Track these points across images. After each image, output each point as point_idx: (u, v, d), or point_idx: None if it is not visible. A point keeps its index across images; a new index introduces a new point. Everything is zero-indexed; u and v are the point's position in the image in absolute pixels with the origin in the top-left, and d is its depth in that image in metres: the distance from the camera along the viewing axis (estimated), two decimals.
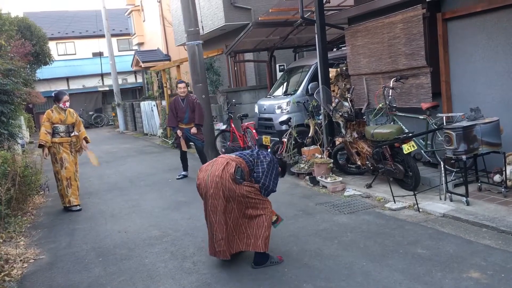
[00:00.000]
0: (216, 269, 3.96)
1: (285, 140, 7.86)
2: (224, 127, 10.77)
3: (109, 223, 5.76)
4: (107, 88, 26.88)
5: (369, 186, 6.13)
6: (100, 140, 17.30)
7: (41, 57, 19.05)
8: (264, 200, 3.89)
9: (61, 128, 6.52)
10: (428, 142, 6.16)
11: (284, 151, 7.77)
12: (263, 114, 9.50)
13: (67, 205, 6.50)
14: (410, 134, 5.68)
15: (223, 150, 9.74)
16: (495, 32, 5.50)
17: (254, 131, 9.62)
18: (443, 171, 5.14)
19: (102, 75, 27.59)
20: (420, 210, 4.99)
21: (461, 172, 5.17)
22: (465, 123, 4.90)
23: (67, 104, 6.60)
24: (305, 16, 7.70)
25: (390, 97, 6.52)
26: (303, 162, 7.30)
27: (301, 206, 5.69)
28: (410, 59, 6.37)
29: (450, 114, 5.83)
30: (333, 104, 6.91)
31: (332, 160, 6.85)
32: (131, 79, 28.76)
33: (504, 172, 5.01)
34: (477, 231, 4.23)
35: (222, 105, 11.75)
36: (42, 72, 21.26)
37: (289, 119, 8.27)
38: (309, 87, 8.63)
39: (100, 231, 5.42)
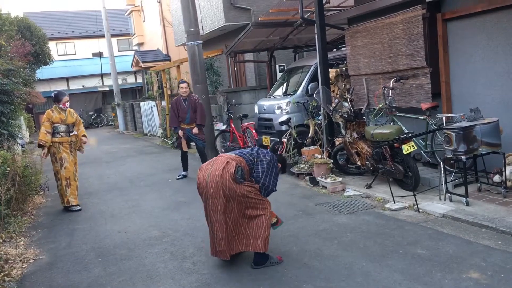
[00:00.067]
0: (216, 269, 3.96)
1: (285, 140, 7.86)
2: (224, 127, 10.77)
3: (109, 223, 5.76)
4: (107, 88, 26.89)
5: (369, 186, 6.13)
6: (100, 140, 17.30)
7: (41, 57, 19.06)
8: (263, 200, 3.89)
9: (62, 127, 6.52)
10: (428, 143, 6.16)
11: (284, 152, 7.78)
12: (263, 114, 9.51)
13: (66, 205, 6.50)
14: (410, 135, 5.68)
15: (223, 151, 9.74)
16: (495, 32, 5.50)
17: (254, 131, 9.62)
18: (442, 172, 5.14)
19: (102, 75, 27.60)
20: (420, 210, 4.99)
21: (460, 172, 5.17)
22: (464, 124, 4.90)
23: (67, 104, 6.60)
24: (305, 16, 7.70)
25: (390, 97, 6.52)
26: (303, 162, 7.30)
27: (301, 206, 5.69)
28: (410, 60, 6.38)
29: (449, 115, 5.84)
30: (333, 105, 6.92)
31: (332, 161, 6.86)
32: (131, 79, 28.76)
33: (503, 173, 5.01)
34: (477, 232, 4.24)
35: (222, 105, 11.76)
36: (42, 72, 21.27)
37: (289, 120, 8.27)
38: (309, 88, 8.63)
39: (100, 231, 5.42)
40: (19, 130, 9.26)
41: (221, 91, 12.36)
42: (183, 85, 8.19)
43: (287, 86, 9.68)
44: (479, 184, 5.31)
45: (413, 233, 4.37)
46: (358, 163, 6.56)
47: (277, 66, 12.96)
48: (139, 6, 24.64)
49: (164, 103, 14.49)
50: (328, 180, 6.36)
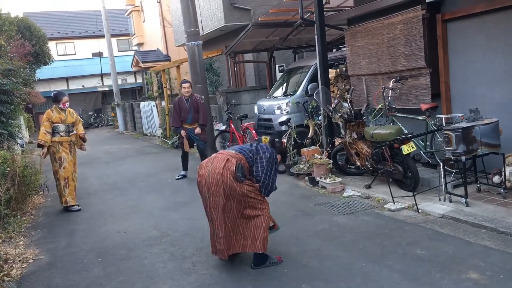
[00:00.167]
0: (215, 269, 3.96)
1: (285, 140, 7.86)
2: (223, 127, 10.78)
3: (109, 223, 5.75)
4: (107, 88, 26.88)
5: (368, 186, 6.13)
6: (100, 141, 17.30)
7: (41, 57, 19.05)
8: (263, 201, 3.88)
9: (61, 127, 6.52)
10: (428, 143, 6.16)
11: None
12: (263, 114, 9.51)
13: (64, 205, 6.50)
14: (410, 135, 5.68)
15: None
16: (494, 33, 5.50)
17: (253, 131, 9.62)
18: (442, 172, 5.14)
19: (101, 75, 27.59)
20: (419, 211, 4.99)
21: (460, 173, 5.17)
22: (464, 124, 4.90)
23: (67, 104, 6.60)
24: (305, 17, 7.70)
25: (389, 98, 6.53)
26: (302, 162, 7.31)
27: (301, 206, 5.69)
28: (409, 60, 6.38)
29: (449, 115, 5.84)
30: (333, 105, 6.92)
31: (331, 161, 6.86)
32: (130, 79, 28.75)
33: (503, 173, 5.01)
34: (476, 232, 4.24)
35: (222, 105, 11.76)
36: (42, 72, 21.26)
37: (288, 120, 8.27)
38: (308, 88, 8.64)
39: (100, 232, 5.42)
40: (18, 130, 9.26)
41: (221, 91, 12.37)
42: (186, 85, 8.16)
43: (286, 86, 9.68)
44: (478, 185, 5.32)
45: (412, 234, 4.37)
46: (358, 163, 6.56)
47: (277, 66, 12.97)
48: (139, 6, 24.64)
49: (164, 103, 14.49)
50: (328, 180, 6.36)
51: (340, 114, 6.67)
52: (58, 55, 28.38)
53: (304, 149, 7.58)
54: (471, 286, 3.23)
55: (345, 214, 5.20)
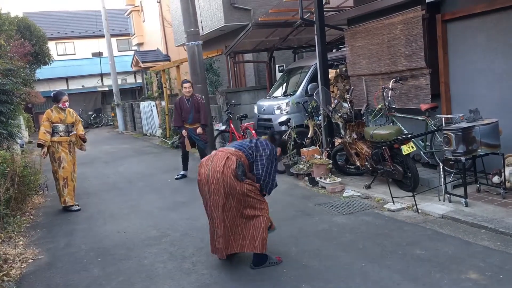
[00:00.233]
0: (215, 269, 3.96)
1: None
2: (223, 127, 10.78)
3: (108, 223, 5.75)
4: (107, 88, 26.87)
5: (368, 187, 6.13)
6: (100, 140, 17.30)
7: (41, 57, 19.05)
8: (262, 201, 3.87)
9: (61, 127, 6.52)
10: (427, 143, 6.17)
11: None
12: (263, 114, 9.52)
13: (63, 205, 6.49)
14: (409, 135, 5.68)
15: None
16: (494, 33, 5.50)
17: (253, 131, 9.63)
18: (442, 172, 5.14)
19: (101, 75, 27.58)
20: (419, 211, 4.99)
21: (460, 173, 5.17)
22: (464, 124, 4.91)
23: (67, 104, 6.59)
24: (305, 17, 7.70)
25: (389, 98, 6.53)
26: (302, 162, 7.30)
27: (300, 206, 5.69)
28: (409, 60, 6.38)
29: (449, 115, 5.84)
30: (333, 105, 6.92)
31: (331, 161, 6.86)
32: (130, 79, 28.75)
33: (503, 174, 5.01)
34: (476, 232, 4.24)
35: (222, 105, 11.76)
36: (42, 72, 21.25)
37: (288, 120, 8.27)
38: (308, 88, 8.65)
39: (99, 232, 5.42)
40: (18, 130, 9.26)
41: (221, 92, 12.37)
42: (186, 84, 8.14)
43: (286, 86, 9.69)
44: (478, 185, 5.32)
45: (412, 234, 4.37)
46: (358, 163, 6.56)
47: (276, 66, 12.97)
48: (138, 6, 24.65)
49: (163, 103, 14.49)
50: (328, 180, 6.36)
51: (340, 114, 6.67)
52: (58, 55, 28.38)
53: (304, 149, 7.58)
54: (471, 286, 3.23)
55: (344, 214, 5.19)
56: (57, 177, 6.49)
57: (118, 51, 29.37)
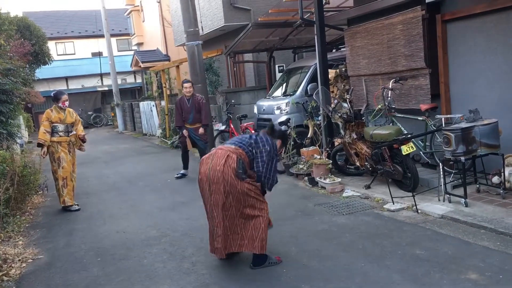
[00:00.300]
0: (214, 269, 3.96)
1: None
2: (223, 127, 10.78)
3: (108, 223, 5.75)
4: (106, 88, 26.87)
5: (367, 187, 6.13)
6: (99, 140, 17.29)
7: (40, 57, 19.04)
8: (262, 201, 3.86)
9: (60, 127, 6.51)
10: (427, 144, 6.17)
11: (283, 152, 7.78)
12: (262, 114, 9.51)
13: (62, 205, 6.49)
14: (409, 135, 5.68)
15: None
16: (494, 33, 5.51)
17: (253, 131, 9.63)
18: (441, 173, 5.14)
19: (101, 75, 27.58)
20: (419, 211, 4.99)
21: (459, 173, 5.17)
22: (464, 125, 4.91)
23: (66, 103, 6.59)
24: (305, 17, 7.71)
25: (389, 98, 6.53)
26: (302, 163, 7.31)
27: (300, 206, 5.69)
28: (409, 61, 6.38)
29: (449, 116, 5.84)
30: (332, 105, 6.92)
31: (331, 161, 6.86)
32: (130, 79, 28.75)
33: (502, 174, 5.02)
34: (476, 233, 4.24)
35: (221, 105, 11.77)
36: (41, 72, 21.25)
37: (288, 120, 8.27)
38: (308, 88, 8.65)
39: (99, 231, 5.42)
40: (18, 130, 9.26)
41: (221, 91, 12.37)
42: (187, 84, 8.13)
43: (286, 86, 9.69)
44: (478, 185, 5.32)
45: (411, 234, 4.37)
46: (357, 163, 6.56)
47: (276, 66, 12.98)
48: (138, 6, 24.64)
49: (163, 103, 14.49)
50: (327, 180, 6.36)
51: (339, 114, 6.67)
52: (58, 55, 28.38)
53: (304, 149, 7.58)
54: (470, 287, 3.23)
55: (344, 214, 5.20)
56: (57, 177, 6.49)
57: (118, 51, 29.37)
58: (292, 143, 7.83)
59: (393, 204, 5.26)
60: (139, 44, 25.44)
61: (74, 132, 6.64)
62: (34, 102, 18.61)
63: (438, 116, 5.96)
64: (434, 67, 6.23)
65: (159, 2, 20.93)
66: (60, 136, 6.51)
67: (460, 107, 5.97)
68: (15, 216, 5.82)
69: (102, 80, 27.98)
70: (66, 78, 27.29)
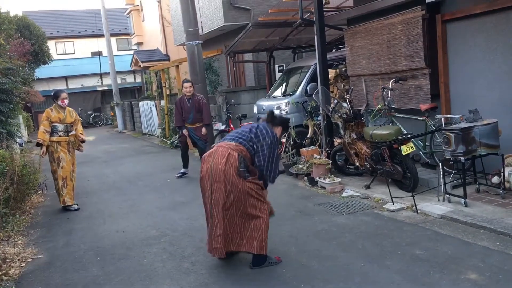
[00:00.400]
0: (214, 269, 3.96)
1: (284, 140, 7.86)
2: (223, 127, 10.77)
3: (107, 222, 5.75)
4: (106, 88, 26.87)
5: (367, 187, 6.13)
6: (99, 140, 17.29)
7: (40, 56, 19.04)
8: (263, 201, 3.85)
9: (60, 127, 6.50)
10: (427, 144, 6.17)
11: (282, 152, 7.78)
12: (262, 114, 9.49)
13: (62, 205, 6.49)
14: (409, 135, 5.68)
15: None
16: (494, 34, 5.51)
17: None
18: (441, 173, 5.14)
19: (101, 75, 27.57)
20: (419, 211, 4.99)
21: (459, 173, 5.17)
22: (463, 125, 4.91)
23: (66, 101, 6.57)
24: (305, 17, 7.70)
25: (389, 98, 6.53)
26: (301, 163, 7.30)
27: (300, 206, 5.69)
28: (409, 61, 6.38)
29: (448, 116, 5.84)
30: (332, 105, 6.92)
31: (330, 161, 6.86)
32: (130, 78, 28.74)
33: (502, 174, 5.02)
34: (475, 233, 4.24)
35: (221, 105, 11.77)
36: (41, 71, 21.25)
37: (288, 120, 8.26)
38: (308, 88, 8.64)
39: (98, 231, 5.41)
40: (17, 129, 9.25)
41: (220, 91, 12.38)
42: (187, 84, 8.11)
43: (286, 86, 9.69)
44: (477, 185, 5.32)
45: (411, 234, 4.37)
46: (357, 163, 6.56)
47: (276, 66, 12.97)
48: (138, 5, 24.63)
49: (163, 102, 14.48)
50: (327, 180, 6.36)
51: (339, 114, 6.67)
52: (57, 54, 28.36)
53: (303, 149, 7.58)
54: (470, 287, 3.23)
55: (344, 214, 5.20)
56: (56, 177, 6.48)
57: (118, 50, 29.38)
58: (292, 143, 7.83)
59: (393, 204, 5.26)
60: (139, 44, 25.44)
61: (74, 132, 6.63)
62: (34, 101, 18.59)
63: (438, 116, 5.96)
64: (434, 67, 6.23)
65: (159, 2, 20.92)
66: (60, 136, 6.50)
67: (460, 107, 5.97)
68: (15, 215, 5.81)
69: (101, 79, 27.97)
70: (66, 78, 27.29)
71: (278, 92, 9.73)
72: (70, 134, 6.59)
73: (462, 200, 4.88)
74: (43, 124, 6.42)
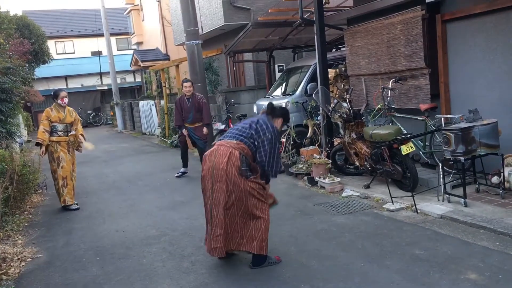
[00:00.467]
0: (214, 269, 3.96)
1: (284, 140, 7.86)
2: (222, 127, 10.77)
3: (107, 222, 5.75)
4: (106, 87, 26.85)
5: (367, 187, 6.13)
6: (99, 139, 17.27)
7: (40, 56, 19.03)
8: (264, 202, 3.84)
9: (60, 127, 6.50)
10: (427, 143, 6.17)
11: (282, 152, 7.78)
12: None
13: (63, 204, 6.49)
14: (409, 135, 5.68)
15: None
16: (494, 33, 5.51)
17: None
18: (441, 172, 5.14)
19: (100, 74, 27.57)
20: (418, 211, 4.99)
21: (459, 173, 5.17)
22: (463, 125, 4.91)
23: (65, 100, 6.56)
24: (305, 16, 7.70)
25: (388, 98, 6.53)
26: (301, 162, 7.30)
27: (299, 206, 5.69)
28: (409, 60, 6.38)
29: (448, 116, 5.84)
30: (332, 105, 6.92)
31: (330, 161, 6.86)
32: (130, 78, 28.73)
33: (502, 174, 5.02)
34: (475, 233, 4.24)
35: (221, 105, 11.77)
36: (41, 71, 21.22)
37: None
38: (308, 88, 8.64)
39: (98, 231, 5.41)
40: (17, 129, 9.25)
41: (220, 91, 12.38)
42: (187, 84, 8.10)
43: (286, 86, 9.68)
44: (477, 185, 5.32)
45: (411, 234, 4.37)
46: (357, 163, 6.56)
47: (276, 66, 12.97)
48: (138, 5, 24.63)
49: (162, 102, 14.48)
50: (327, 180, 6.36)
51: (339, 114, 6.67)
52: (57, 54, 28.34)
53: (303, 149, 7.58)
54: (470, 287, 3.23)
55: (344, 214, 5.20)
56: (56, 177, 6.48)
57: (118, 50, 29.38)
58: (292, 142, 7.83)
59: (393, 204, 5.26)
60: (139, 43, 25.44)
61: (74, 132, 6.63)
62: (34, 101, 18.59)
63: (438, 116, 5.96)
64: (434, 67, 6.23)
65: (158, 1, 20.92)
66: (59, 136, 6.49)
67: (460, 107, 5.97)
68: (14, 215, 5.81)
69: (101, 79, 27.96)
70: (66, 77, 27.28)
71: (278, 91, 9.73)
72: (70, 134, 6.59)
73: (462, 200, 4.88)
74: (42, 123, 6.41)
